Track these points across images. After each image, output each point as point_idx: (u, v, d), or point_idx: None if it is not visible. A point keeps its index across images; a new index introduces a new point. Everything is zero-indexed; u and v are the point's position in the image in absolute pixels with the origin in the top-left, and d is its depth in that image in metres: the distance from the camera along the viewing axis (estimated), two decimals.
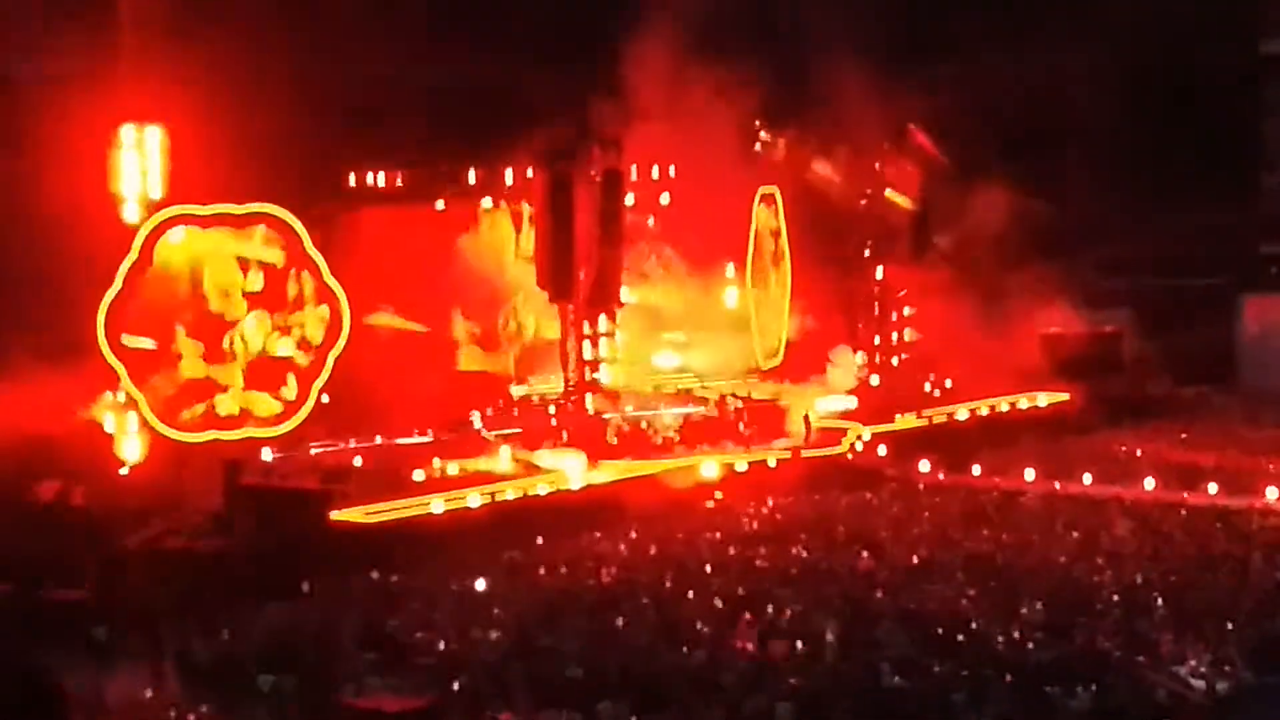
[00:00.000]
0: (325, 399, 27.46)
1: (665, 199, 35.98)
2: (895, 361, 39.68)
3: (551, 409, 32.25)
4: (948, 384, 36.92)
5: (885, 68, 34.62)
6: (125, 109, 26.46)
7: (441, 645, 19.11)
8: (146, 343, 26.25)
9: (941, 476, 29.49)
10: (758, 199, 36.20)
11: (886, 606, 20.36)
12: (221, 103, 26.85)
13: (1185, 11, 39.52)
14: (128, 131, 26.39)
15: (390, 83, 31.40)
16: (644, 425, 31.61)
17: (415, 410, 29.38)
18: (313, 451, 27.76)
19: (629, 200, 33.85)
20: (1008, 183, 37.19)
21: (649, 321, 35.33)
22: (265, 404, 27.08)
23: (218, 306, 26.92)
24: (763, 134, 37.41)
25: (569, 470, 28.08)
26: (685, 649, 18.68)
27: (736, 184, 35.14)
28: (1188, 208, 38.79)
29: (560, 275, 32.00)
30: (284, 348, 27.25)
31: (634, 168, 34.31)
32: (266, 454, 26.86)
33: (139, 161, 26.47)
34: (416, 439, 29.08)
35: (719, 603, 20.55)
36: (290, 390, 27.19)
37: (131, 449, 26.28)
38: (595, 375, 33.06)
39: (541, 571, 22.93)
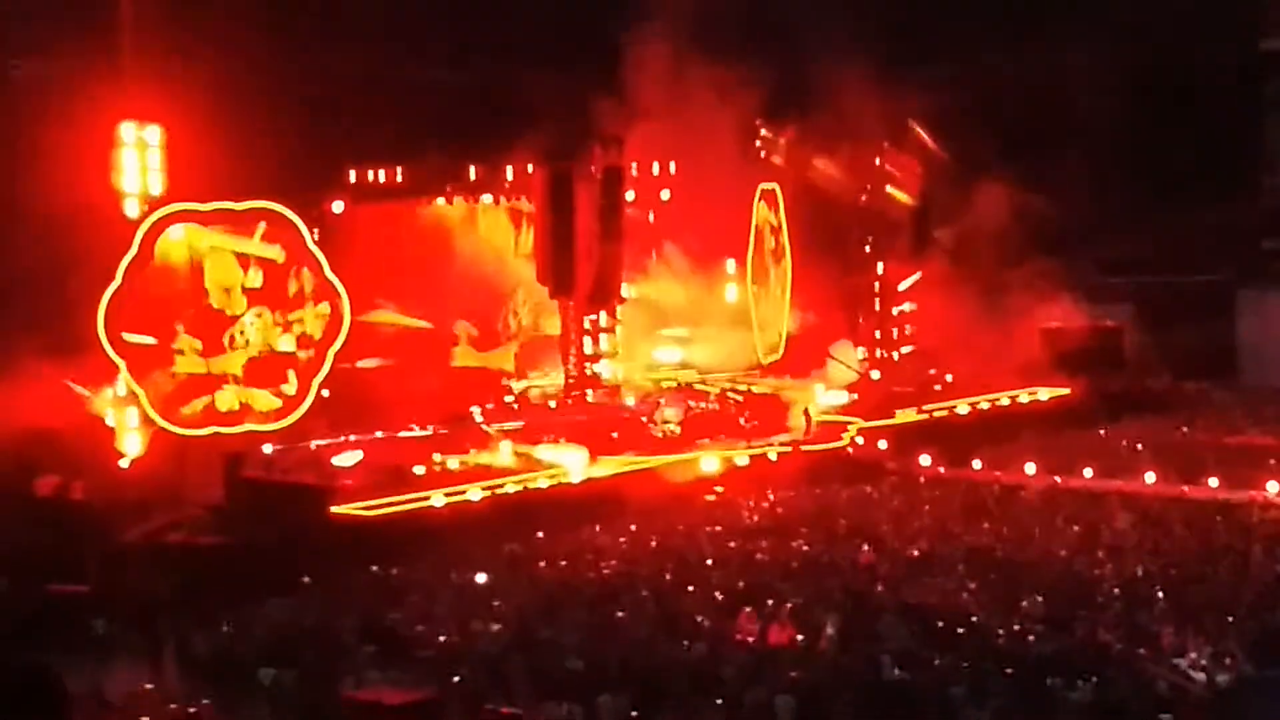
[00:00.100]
0: (325, 394, 27.52)
1: (666, 195, 36.02)
2: (896, 356, 39.71)
3: (552, 403, 32.30)
4: (949, 378, 36.91)
5: (886, 65, 34.62)
6: (126, 107, 26.50)
7: (442, 638, 19.10)
8: (147, 339, 26.30)
9: (942, 470, 29.47)
10: (758, 195, 36.21)
11: (887, 600, 20.33)
12: (221, 101, 26.91)
13: (1186, 9, 39.50)
14: (128, 129, 26.43)
15: (391, 81, 31.45)
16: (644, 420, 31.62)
17: (414, 406, 29.36)
18: (313, 446, 27.74)
19: (629, 197, 33.88)
20: (1008, 179, 37.19)
21: (650, 317, 35.34)
22: (265, 399, 27.14)
23: (218, 303, 26.97)
24: (763, 131, 37.44)
25: (569, 464, 28.06)
26: (685, 642, 18.67)
27: (737, 180, 35.16)
28: (1188, 204, 38.78)
29: (561, 271, 32.04)
30: (284, 344, 27.30)
31: (634, 165, 34.35)
32: (267, 448, 26.89)
33: (139, 159, 26.52)
34: (416, 433, 29.04)
35: (719, 596, 20.53)
36: (290, 386, 27.25)
37: (132, 444, 26.33)
38: (596, 370, 33.12)
39: (542, 565, 22.89)
